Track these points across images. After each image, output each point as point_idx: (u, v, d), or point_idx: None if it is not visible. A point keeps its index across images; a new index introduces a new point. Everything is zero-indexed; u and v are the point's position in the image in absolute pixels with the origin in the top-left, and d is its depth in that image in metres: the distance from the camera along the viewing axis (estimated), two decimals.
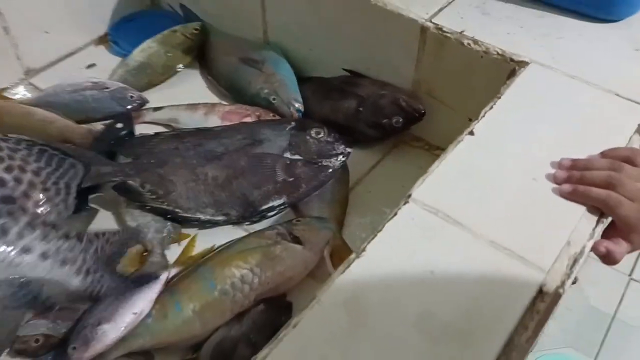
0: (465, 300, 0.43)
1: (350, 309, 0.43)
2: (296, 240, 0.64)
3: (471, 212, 0.49)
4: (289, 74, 0.83)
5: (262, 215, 0.69)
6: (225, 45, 0.89)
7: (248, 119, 0.79)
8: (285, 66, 0.84)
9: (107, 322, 0.55)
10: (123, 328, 0.55)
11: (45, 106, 0.79)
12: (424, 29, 0.70)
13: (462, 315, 0.42)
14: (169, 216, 0.68)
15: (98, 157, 0.71)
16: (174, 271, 0.64)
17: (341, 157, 0.72)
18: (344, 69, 0.81)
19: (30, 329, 0.58)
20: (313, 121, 0.77)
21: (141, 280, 0.60)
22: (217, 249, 0.66)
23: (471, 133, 0.56)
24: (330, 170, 0.71)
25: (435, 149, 0.79)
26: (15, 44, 0.84)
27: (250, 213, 0.69)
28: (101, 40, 0.95)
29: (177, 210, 0.68)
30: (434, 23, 0.69)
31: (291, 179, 0.69)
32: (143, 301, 0.58)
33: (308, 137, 0.72)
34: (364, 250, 0.46)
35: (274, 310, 0.60)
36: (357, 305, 0.43)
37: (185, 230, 0.69)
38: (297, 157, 0.71)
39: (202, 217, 0.69)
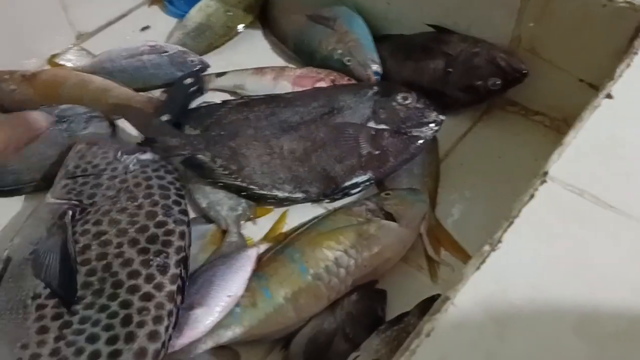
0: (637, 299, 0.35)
1: (491, 312, 0.36)
2: (389, 216, 0.57)
3: (622, 191, 0.41)
4: (364, 32, 0.74)
5: (345, 193, 0.62)
6: (290, 1, 0.81)
7: (321, 84, 0.71)
8: (359, 23, 0.75)
9: (200, 306, 0.50)
10: (218, 312, 0.50)
11: (101, 73, 0.73)
12: None
13: (635, 317, 0.35)
14: (243, 193, 0.62)
15: (165, 127, 0.65)
16: (262, 248, 0.58)
17: (433, 125, 0.63)
18: (427, 24, 0.72)
19: None
20: (399, 85, 0.68)
21: (229, 260, 0.55)
22: (300, 227, 0.60)
23: (609, 96, 0.47)
24: (422, 140, 0.63)
25: (534, 114, 0.70)
26: (65, 7, 0.77)
27: (331, 190, 0.62)
28: (154, 0, 0.87)
29: (251, 186, 0.62)
30: None
31: (377, 152, 0.62)
32: (236, 282, 0.52)
33: (394, 104, 0.64)
34: (499, 241, 0.38)
35: (369, 300, 0.54)
36: (499, 307, 0.36)
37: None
38: (382, 126, 0.63)
39: (279, 194, 0.62)
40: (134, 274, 0.48)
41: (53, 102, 0.69)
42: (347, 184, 0.61)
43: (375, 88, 0.66)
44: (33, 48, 0.77)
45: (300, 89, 0.71)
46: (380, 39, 0.75)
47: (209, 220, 0.62)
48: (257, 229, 0.62)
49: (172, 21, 0.84)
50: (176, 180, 0.57)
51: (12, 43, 0.75)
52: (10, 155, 0.58)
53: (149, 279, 0.48)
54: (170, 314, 0.47)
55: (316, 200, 0.63)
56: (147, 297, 0.47)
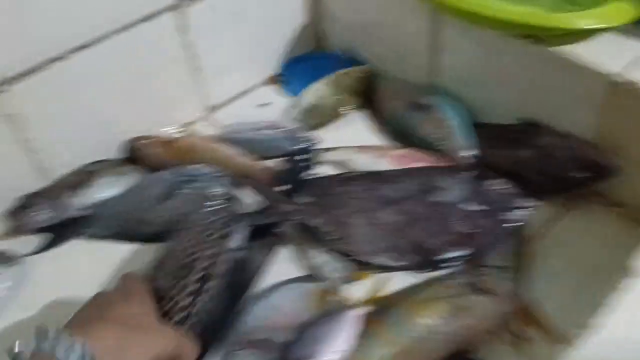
0: None
1: None
2: (480, 291, 0.63)
3: None
4: (459, 120, 0.83)
5: (438, 266, 0.68)
6: (392, 89, 0.91)
7: (420, 164, 0.79)
8: (455, 111, 0.83)
9: (309, 358, 0.57)
10: None
11: (228, 142, 0.86)
12: (613, 83, 0.67)
13: None
14: (347, 257, 0.70)
15: (279, 195, 0.76)
16: (363, 310, 0.65)
17: (522, 210, 0.70)
18: (518, 119, 0.80)
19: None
20: (492, 172, 0.75)
21: (333, 318, 0.62)
22: (397, 293, 0.67)
23: None
24: (511, 224, 0.69)
25: (619, 206, 0.74)
26: (204, 83, 0.92)
27: (426, 262, 0.69)
28: (271, 80, 1.01)
29: (354, 253, 0.70)
30: (624, 77, 0.66)
31: (470, 231, 0.68)
32: (342, 340, 0.59)
33: (487, 188, 0.71)
34: (593, 327, 0.43)
35: None
36: None
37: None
38: (475, 207, 0.70)
39: (379, 261, 0.69)
40: None
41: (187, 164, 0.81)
42: (440, 258, 0.68)
43: (470, 172, 0.74)
44: (169, 117, 0.91)
45: (399, 167, 0.79)
46: (479, 125, 0.83)
47: (313, 279, 0.70)
48: (356, 291, 0.69)
49: (286, 99, 0.97)
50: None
51: (153, 112, 0.89)
52: None
53: None
54: None
55: (411, 269, 0.70)
56: None
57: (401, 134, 0.86)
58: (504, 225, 0.69)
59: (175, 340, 0.51)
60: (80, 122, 0.80)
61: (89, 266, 0.73)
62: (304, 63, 1.02)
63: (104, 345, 0.43)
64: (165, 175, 0.78)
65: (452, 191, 0.72)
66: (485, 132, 0.83)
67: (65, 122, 0.78)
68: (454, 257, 0.68)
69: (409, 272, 0.70)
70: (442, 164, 0.79)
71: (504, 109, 0.81)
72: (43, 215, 0.75)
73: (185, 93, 0.91)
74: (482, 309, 0.61)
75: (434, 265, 0.69)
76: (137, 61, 0.81)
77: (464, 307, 0.61)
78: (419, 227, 0.69)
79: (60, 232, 0.76)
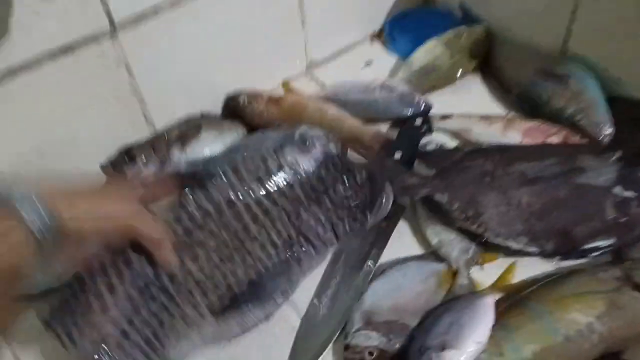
0: None
1: None
2: (637, 287, 0.56)
3: None
4: (598, 94, 0.74)
5: (582, 254, 0.62)
6: (517, 53, 0.82)
7: (553, 139, 0.72)
8: (593, 84, 0.74)
9: (452, 347, 0.53)
10: (467, 357, 0.52)
11: (336, 103, 0.79)
12: None
13: None
14: (476, 239, 0.64)
15: (399, 166, 0.69)
16: (496, 297, 0.60)
17: None
18: None
19: (362, 339, 0.57)
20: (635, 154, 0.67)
21: (471, 305, 0.57)
22: (530, 281, 0.61)
23: None
24: None
25: None
26: (307, 36, 0.85)
27: (568, 249, 0.62)
28: (375, 36, 0.93)
29: (486, 234, 0.64)
30: None
31: (623, 219, 0.61)
32: (482, 330, 0.54)
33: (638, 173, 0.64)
34: None
35: None
36: None
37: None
38: (630, 194, 0.62)
39: (513, 245, 0.63)
40: None
41: (294, 123, 0.75)
42: (587, 246, 0.61)
43: (619, 153, 0.66)
44: (271, 71, 0.85)
45: (530, 142, 0.72)
46: (611, 100, 0.74)
47: (437, 257, 0.65)
48: (484, 275, 0.63)
49: (391, 58, 0.89)
50: None
51: (255, 67, 0.83)
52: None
53: None
54: None
55: (549, 257, 0.63)
56: None
57: (527, 104, 0.78)
58: None
59: (136, 211, 0.48)
60: (184, 74, 0.75)
61: None
62: (409, 20, 0.93)
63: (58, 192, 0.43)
64: (275, 135, 0.72)
65: (601, 174, 0.64)
66: (624, 107, 0.74)
67: (169, 72, 0.73)
68: (602, 247, 0.61)
69: (545, 258, 0.64)
70: (579, 142, 0.71)
71: None
72: (149, 167, 0.71)
73: (288, 48, 0.85)
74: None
75: (577, 254, 0.62)
76: (244, 15, 0.75)
77: (623, 305, 0.54)
78: (564, 211, 0.63)
79: None
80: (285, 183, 0.59)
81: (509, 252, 0.64)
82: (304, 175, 0.60)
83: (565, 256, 0.63)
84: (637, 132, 0.71)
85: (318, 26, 0.84)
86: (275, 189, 0.59)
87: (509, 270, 0.63)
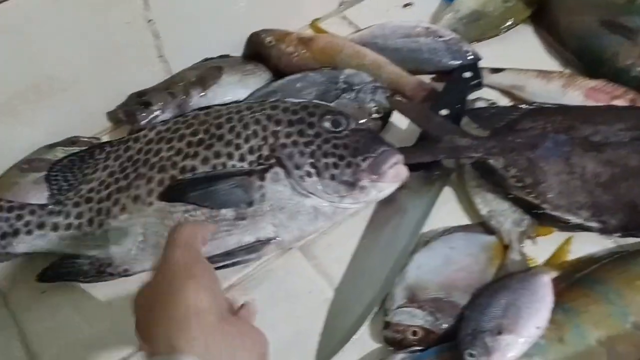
0: None
1: None
2: None
3: None
4: None
5: None
6: (579, 1, 0.73)
7: (618, 102, 0.64)
8: None
9: (509, 332, 0.47)
10: (527, 342, 0.47)
11: (371, 47, 0.70)
12: None
13: None
14: (532, 210, 0.58)
15: (449, 124, 0.62)
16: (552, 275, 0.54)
17: None
18: None
19: (406, 317, 0.51)
20: None
21: (528, 285, 0.51)
22: (589, 259, 0.55)
23: None
24: None
25: None
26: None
27: (635, 226, 0.56)
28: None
29: (545, 205, 0.57)
30: None
31: None
32: (542, 314, 0.49)
33: None
34: None
35: None
36: None
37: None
38: None
39: (573, 218, 0.57)
40: None
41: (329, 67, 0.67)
42: None
43: None
44: (298, 10, 0.76)
45: (592, 103, 0.64)
46: None
47: (487, 229, 0.58)
48: (537, 249, 0.57)
49: (434, 1, 0.80)
50: None
51: (280, 3, 0.73)
52: None
53: None
54: None
55: (612, 232, 0.57)
56: None
57: (588, 60, 0.70)
58: None
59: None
60: (203, 9, 0.65)
61: None
62: None
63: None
64: (316, 77, 0.64)
65: None
66: None
67: (189, 5, 0.63)
68: None
69: (604, 235, 0.58)
70: None
71: None
72: (166, 114, 0.62)
73: None
74: None
75: None
76: None
77: None
78: (635, 183, 0.56)
79: None
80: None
81: (567, 227, 0.58)
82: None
83: (631, 234, 0.56)
84: None
85: None
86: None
87: (565, 245, 0.57)
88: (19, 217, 0.53)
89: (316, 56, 0.68)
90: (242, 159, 0.53)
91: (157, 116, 0.62)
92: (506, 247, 0.57)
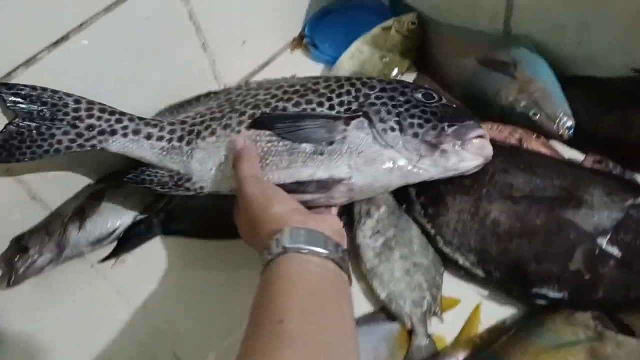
0: None
1: None
2: (624, 327, 0.47)
3: None
4: (551, 80, 0.64)
5: (528, 297, 0.52)
6: (454, 41, 0.71)
7: (509, 140, 0.61)
8: (545, 68, 0.64)
9: None
10: None
11: None
12: None
13: None
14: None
15: None
16: (460, 357, 0.51)
17: None
18: (634, 70, 0.60)
19: None
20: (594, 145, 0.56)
21: None
22: (499, 328, 0.52)
23: None
24: None
25: None
26: (213, 60, 0.73)
27: (515, 286, 0.53)
28: (294, 44, 0.81)
29: (437, 237, 0.56)
30: None
31: (588, 276, 0.49)
32: None
33: None
34: None
35: None
36: None
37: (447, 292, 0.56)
38: (614, 250, 0.49)
39: (460, 260, 0.55)
40: None
41: None
42: (535, 291, 0.51)
43: (623, 187, 0.53)
44: None
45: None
46: (566, 82, 0.64)
47: (388, 314, 0.55)
48: (445, 327, 0.54)
49: (318, 67, 0.78)
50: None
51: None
52: None
53: None
54: None
55: (495, 285, 0.54)
56: None
57: (473, 102, 0.66)
58: None
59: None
60: None
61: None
62: (332, 18, 0.81)
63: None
64: None
65: (597, 214, 0.51)
66: (581, 90, 0.64)
67: None
68: (551, 298, 0.51)
69: (495, 287, 0.55)
70: (534, 141, 0.61)
71: (609, 60, 0.62)
72: (44, 256, 0.60)
73: (192, 78, 0.72)
74: (630, 356, 0.45)
75: (524, 295, 0.52)
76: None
77: (607, 356, 0.45)
78: (526, 242, 0.52)
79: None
80: None
81: (456, 270, 0.56)
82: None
83: (510, 293, 0.53)
84: (598, 117, 0.62)
85: (225, 47, 0.73)
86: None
87: (473, 317, 0.54)
88: (119, 121, 0.58)
89: None
90: (331, 107, 0.56)
91: (34, 261, 0.59)
92: (411, 333, 0.53)
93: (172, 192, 0.57)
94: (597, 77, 0.64)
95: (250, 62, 0.78)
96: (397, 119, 0.55)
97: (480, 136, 0.55)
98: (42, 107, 0.56)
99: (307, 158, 0.54)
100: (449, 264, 0.56)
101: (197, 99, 0.64)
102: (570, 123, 0.61)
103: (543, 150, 0.60)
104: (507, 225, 0.53)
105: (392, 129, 0.54)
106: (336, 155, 0.54)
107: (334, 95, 0.57)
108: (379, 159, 0.54)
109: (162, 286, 0.61)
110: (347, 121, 0.55)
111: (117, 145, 0.58)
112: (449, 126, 0.54)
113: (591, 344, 0.46)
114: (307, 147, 0.54)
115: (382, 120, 0.54)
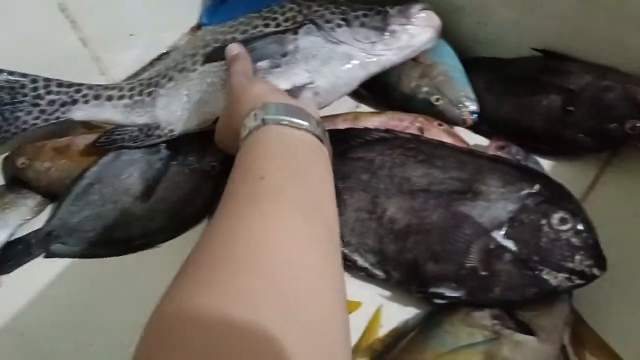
0: None
1: None
2: (522, 326, 0.45)
3: None
4: (453, 62, 0.61)
5: (426, 296, 0.49)
6: None
7: (411, 130, 0.58)
8: (447, 51, 0.62)
9: None
10: None
11: None
12: None
13: None
14: None
15: None
16: None
17: (578, 278, 0.45)
18: (534, 49, 0.58)
19: None
20: (569, 200, 0.48)
21: None
22: (402, 333, 0.49)
23: None
24: (548, 289, 0.45)
25: None
26: (97, 57, 0.66)
27: (414, 286, 0.50)
28: (194, 33, 0.75)
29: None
30: None
31: (483, 273, 0.46)
32: None
33: (543, 222, 0.46)
34: None
35: None
36: None
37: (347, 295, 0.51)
38: (509, 244, 0.46)
39: (359, 261, 0.52)
40: None
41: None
42: (432, 290, 0.48)
43: (537, 188, 0.48)
44: None
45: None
46: (469, 63, 0.61)
47: None
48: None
49: None
50: None
51: None
52: None
53: None
54: None
55: (396, 285, 0.51)
56: None
57: (376, 90, 0.64)
58: (538, 287, 0.45)
59: None
60: None
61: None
62: (230, 5, 0.75)
63: None
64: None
65: (494, 207, 0.47)
66: (484, 72, 0.62)
67: None
68: (448, 296, 0.48)
69: (398, 287, 0.52)
70: (437, 128, 0.58)
71: (513, 40, 0.60)
72: None
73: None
74: (527, 356, 0.43)
75: (421, 294, 0.49)
76: None
77: (504, 358, 0.43)
78: (423, 240, 0.49)
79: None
80: None
81: (357, 271, 0.52)
82: None
83: (409, 292, 0.50)
84: (500, 100, 0.60)
85: (105, 42, 0.66)
86: None
87: (374, 322, 0.50)
88: (78, 91, 0.60)
89: (78, 161, 0.61)
90: (277, 26, 0.59)
91: None
92: None
93: (145, 143, 0.59)
94: (500, 58, 0.61)
95: (142, 55, 0.72)
96: (342, 15, 0.58)
97: (424, 9, 0.58)
98: (1, 93, 0.57)
99: (267, 73, 0.57)
100: (348, 265, 0.52)
101: (151, 63, 0.66)
102: (473, 108, 0.59)
103: (445, 138, 0.57)
104: (404, 222, 0.50)
105: (339, 25, 0.58)
106: (292, 64, 0.57)
107: (278, 15, 0.60)
108: (335, 56, 0.57)
109: (42, 310, 0.55)
110: (296, 31, 0.58)
111: (81, 113, 0.60)
112: (391, 7, 0.58)
113: (487, 347, 0.43)
114: (263, 64, 0.57)
115: (328, 21, 0.58)
